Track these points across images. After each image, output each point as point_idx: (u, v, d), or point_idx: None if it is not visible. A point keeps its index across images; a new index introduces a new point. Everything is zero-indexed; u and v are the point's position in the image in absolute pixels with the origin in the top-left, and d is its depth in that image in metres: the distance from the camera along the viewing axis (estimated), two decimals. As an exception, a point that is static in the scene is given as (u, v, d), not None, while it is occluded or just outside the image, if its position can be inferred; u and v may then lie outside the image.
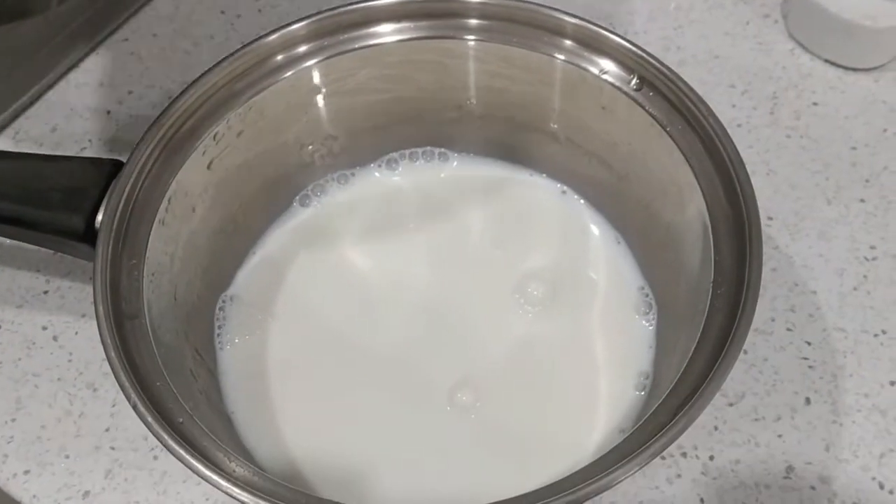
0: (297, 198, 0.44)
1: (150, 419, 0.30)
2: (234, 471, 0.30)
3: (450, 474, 0.37)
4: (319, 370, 0.39)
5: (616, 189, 0.42)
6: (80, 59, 0.54)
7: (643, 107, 0.37)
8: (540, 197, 0.44)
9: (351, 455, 0.37)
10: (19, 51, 0.53)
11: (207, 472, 0.29)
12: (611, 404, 0.38)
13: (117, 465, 0.39)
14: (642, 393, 0.38)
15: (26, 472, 0.39)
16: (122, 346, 0.32)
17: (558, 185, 0.44)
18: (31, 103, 0.52)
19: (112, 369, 0.31)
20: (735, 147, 0.35)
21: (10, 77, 0.52)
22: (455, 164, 0.45)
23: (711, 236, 0.34)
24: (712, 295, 0.33)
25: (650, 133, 0.37)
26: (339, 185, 0.44)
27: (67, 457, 0.40)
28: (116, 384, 0.40)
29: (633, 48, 0.37)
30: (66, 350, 0.43)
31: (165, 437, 0.29)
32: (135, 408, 0.30)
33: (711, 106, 0.36)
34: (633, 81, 0.37)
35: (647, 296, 0.40)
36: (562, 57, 0.39)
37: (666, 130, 0.37)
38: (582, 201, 0.43)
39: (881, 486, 0.38)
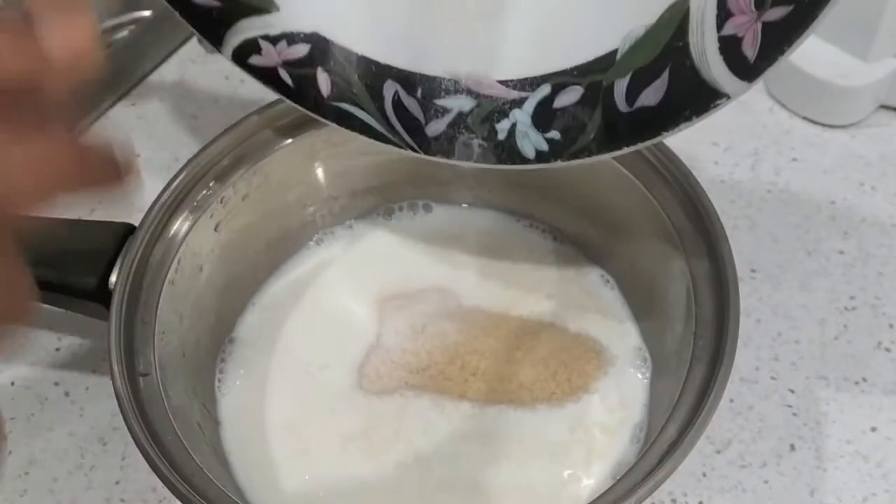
0: (298, 249, 0.46)
1: (164, 471, 0.31)
2: (242, 520, 0.31)
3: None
4: (317, 422, 0.41)
5: (605, 245, 0.44)
6: (90, 124, 0.56)
7: (626, 167, 0.39)
8: (536, 247, 0.46)
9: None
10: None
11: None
12: (605, 455, 0.39)
13: (127, 517, 0.41)
14: (637, 444, 0.39)
15: (38, 525, 0.41)
16: (136, 402, 0.33)
17: (550, 236, 0.46)
18: (43, 167, 0.54)
19: (126, 424, 0.33)
20: (712, 204, 0.37)
21: (22, 142, 0.54)
22: (447, 215, 0.47)
23: (692, 289, 0.36)
24: (694, 346, 0.34)
25: (632, 193, 0.39)
26: (338, 235, 0.46)
27: (79, 509, 0.41)
28: (126, 438, 0.42)
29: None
30: (78, 405, 0.44)
31: (179, 488, 0.31)
32: (148, 461, 0.32)
33: (694, 163, 0.39)
34: None
35: (640, 348, 0.42)
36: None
37: (648, 190, 0.39)
38: (578, 253, 0.45)
39: (864, 529, 0.40)
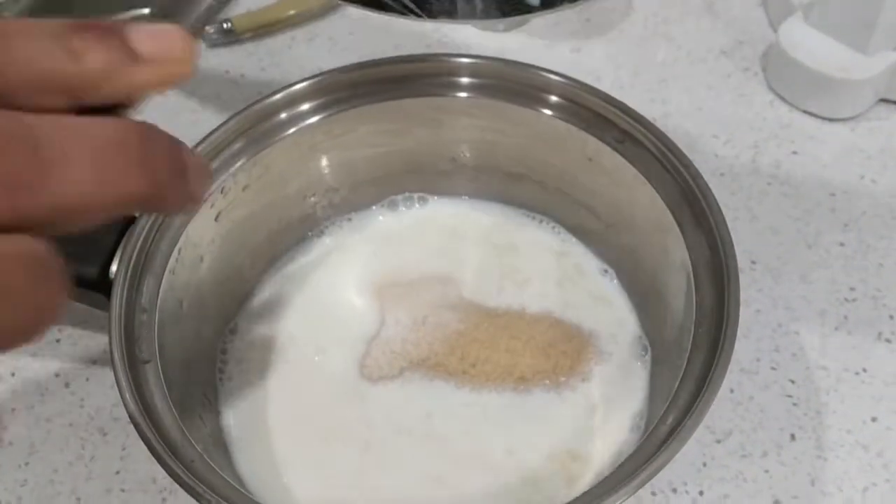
0: (298, 240, 0.46)
1: (164, 457, 0.31)
2: (244, 508, 0.31)
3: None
4: (318, 412, 0.41)
5: (605, 236, 0.44)
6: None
7: (626, 158, 0.39)
8: (536, 238, 0.46)
9: (351, 499, 0.38)
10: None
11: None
12: (605, 444, 0.39)
13: (127, 507, 0.41)
14: (637, 432, 0.39)
15: (39, 515, 0.41)
16: (137, 390, 0.33)
17: (550, 227, 0.46)
18: (44, 160, 0.54)
19: (128, 412, 0.33)
20: (712, 193, 0.37)
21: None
22: (447, 206, 0.47)
23: (693, 278, 0.36)
24: (694, 333, 0.34)
25: (634, 183, 0.39)
26: (339, 226, 0.46)
27: (79, 499, 0.41)
28: (126, 429, 0.43)
29: (614, 105, 0.40)
30: (78, 396, 0.44)
31: (180, 474, 0.31)
32: (149, 446, 0.32)
33: (695, 155, 0.39)
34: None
35: (640, 338, 0.42)
36: (549, 112, 0.41)
37: (648, 180, 0.39)
38: (578, 244, 0.45)
39: (864, 519, 0.40)
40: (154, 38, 0.21)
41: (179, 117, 0.55)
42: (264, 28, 0.60)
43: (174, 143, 0.21)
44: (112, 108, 0.22)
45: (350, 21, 0.61)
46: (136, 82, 0.21)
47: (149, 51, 0.21)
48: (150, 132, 0.21)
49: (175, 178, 0.21)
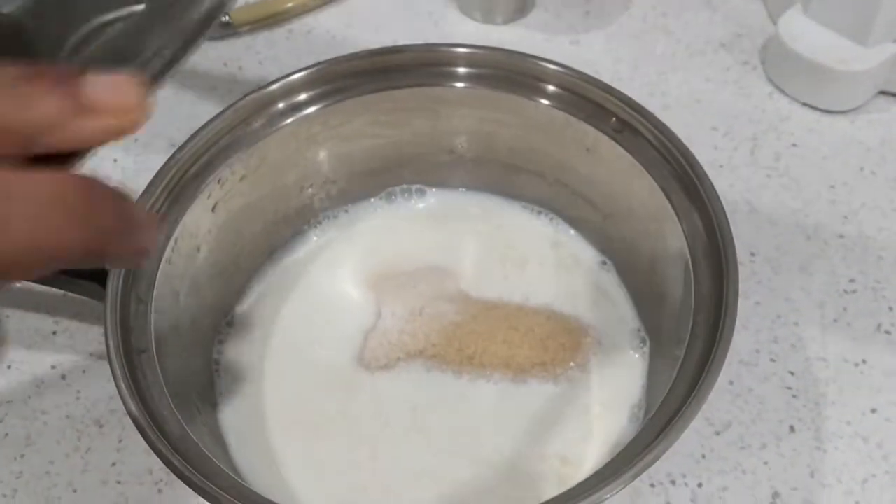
0: (296, 232, 0.46)
1: (161, 448, 0.31)
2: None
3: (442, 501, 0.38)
4: (314, 404, 0.40)
5: (603, 226, 0.44)
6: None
7: (624, 147, 0.39)
8: (534, 229, 0.46)
9: (347, 490, 0.38)
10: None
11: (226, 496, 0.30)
12: (603, 435, 0.39)
13: (123, 499, 0.41)
14: (635, 423, 0.39)
15: (35, 507, 0.41)
16: (132, 379, 0.33)
17: (549, 218, 0.46)
18: (41, 153, 0.54)
19: (122, 400, 0.32)
20: (710, 180, 0.37)
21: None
22: (445, 198, 0.47)
23: (691, 267, 0.36)
24: (693, 322, 0.34)
25: (632, 173, 0.39)
26: (336, 218, 0.46)
27: (75, 491, 0.41)
28: (122, 421, 0.42)
29: (612, 94, 0.39)
30: (74, 388, 0.44)
31: (176, 465, 0.30)
32: (145, 437, 0.31)
33: (694, 148, 0.38)
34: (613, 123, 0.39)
35: (638, 330, 0.42)
36: (547, 102, 0.41)
37: (646, 169, 0.39)
38: (576, 236, 0.45)
39: (864, 510, 0.39)
40: (107, 88, 0.21)
41: (176, 110, 0.55)
42: (262, 21, 0.60)
43: (118, 199, 0.21)
44: (64, 157, 0.22)
45: (348, 14, 0.60)
46: (86, 133, 0.21)
47: (101, 101, 0.21)
48: (92, 187, 0.21)
49: (118, 233, 0.21)
